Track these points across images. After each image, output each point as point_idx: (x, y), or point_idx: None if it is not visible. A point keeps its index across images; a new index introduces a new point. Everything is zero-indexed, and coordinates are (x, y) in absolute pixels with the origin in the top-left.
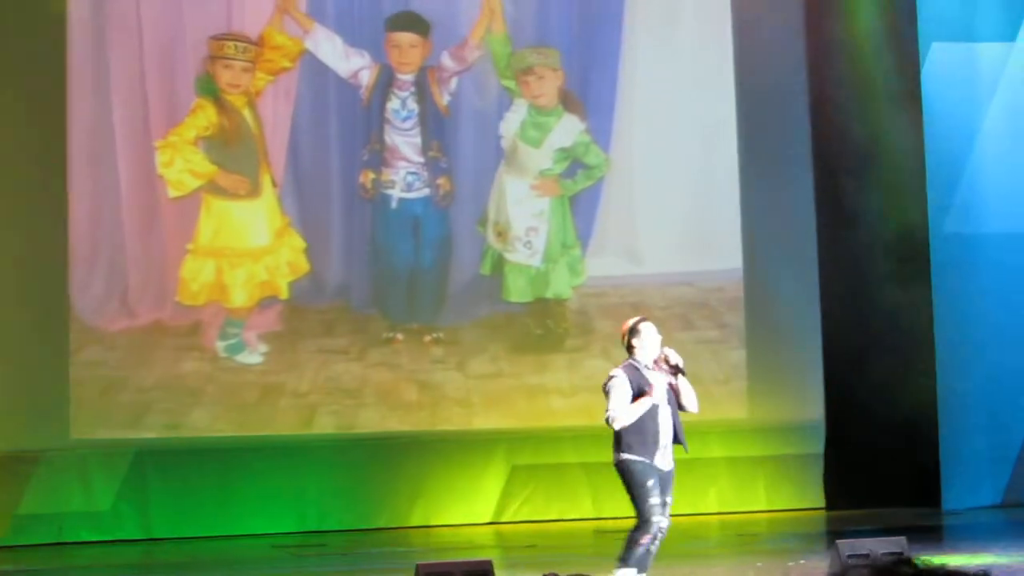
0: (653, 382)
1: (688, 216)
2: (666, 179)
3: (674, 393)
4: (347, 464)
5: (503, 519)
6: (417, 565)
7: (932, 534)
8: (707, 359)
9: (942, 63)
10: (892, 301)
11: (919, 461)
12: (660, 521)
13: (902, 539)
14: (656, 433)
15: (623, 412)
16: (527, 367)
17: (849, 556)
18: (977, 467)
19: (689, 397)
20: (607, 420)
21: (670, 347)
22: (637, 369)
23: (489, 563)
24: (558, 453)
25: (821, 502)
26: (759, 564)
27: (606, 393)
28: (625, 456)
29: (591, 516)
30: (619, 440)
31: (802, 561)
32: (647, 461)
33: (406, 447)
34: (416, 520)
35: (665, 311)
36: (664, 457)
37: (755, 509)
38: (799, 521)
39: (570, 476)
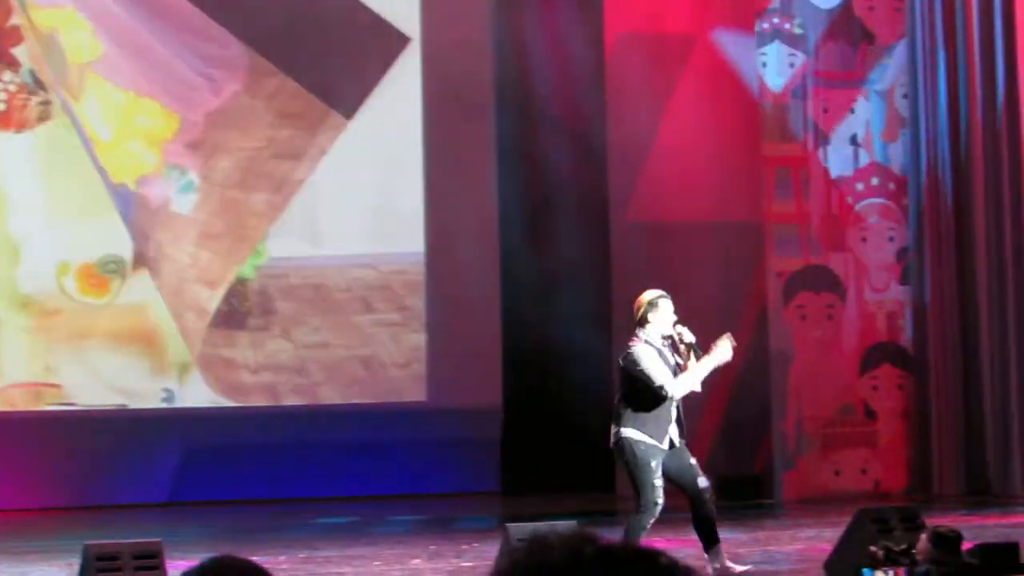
0: (669, 365)
1: (372, 199)
2: (350, 162)
3: (681, 372)
4: (17, 442)
5: (179, 499)
6: (85, 545)
7: (605, 519)
8: (387, 342)
9: (629, 51)
10: (574, 289)
11: (594, 447)
12: (662, 500)
13: (573, 524)
14: (668, 414)
15: (677, 386)
16: None
17: (519, 540)
18: None
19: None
20: (662, 393)
21: (680, 325)
22: (650, 344)
23: (159, 544)
24: (237, 433)
25: (497, 486)
26: (432, 547)
27: (636, 367)
28: (629, 434)
29: (268, 498)
30: (628, 417)
31: (475, 544)
32: (651, 442)
33: (81, 424)
34: (90, 500)
35: (346, 293)
36: (667, 436)
37: (432, 492)
38: (475, 505)
39: (248, 457)
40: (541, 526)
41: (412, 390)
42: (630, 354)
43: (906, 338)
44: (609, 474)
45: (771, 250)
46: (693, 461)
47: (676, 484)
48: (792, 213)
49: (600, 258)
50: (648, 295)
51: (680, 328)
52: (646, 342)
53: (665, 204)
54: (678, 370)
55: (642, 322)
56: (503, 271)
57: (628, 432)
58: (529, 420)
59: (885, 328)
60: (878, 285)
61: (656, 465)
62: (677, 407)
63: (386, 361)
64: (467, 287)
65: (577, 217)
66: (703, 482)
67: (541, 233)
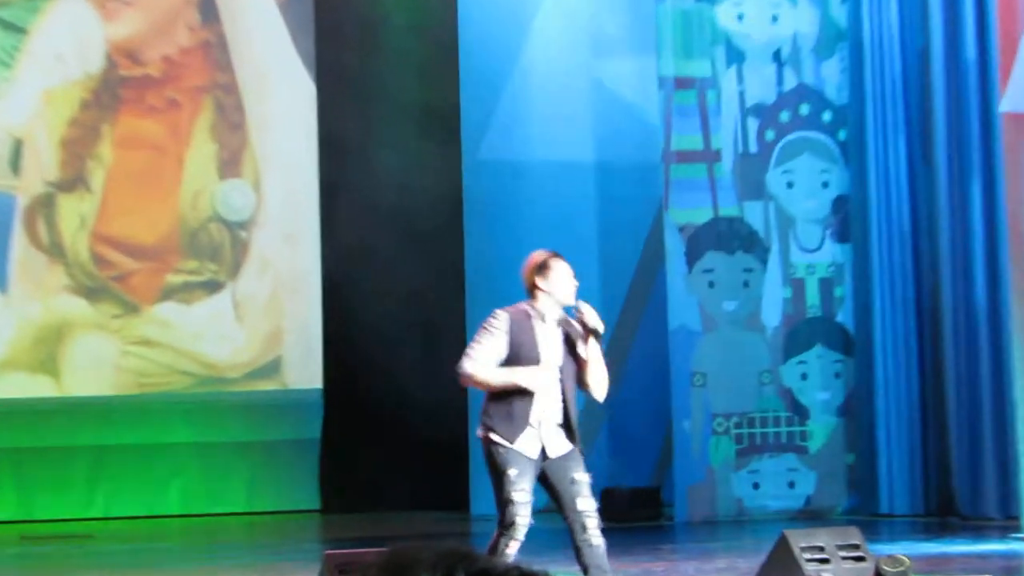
0: (543, 352)
1: None
2: None
3: (577, 365)
4: None
5: None
6: None
7: (455, 541)
8: (183, 320)
9: None
10: (416, 244)
11: (445, 458)
12: (524, 521)
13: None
14: (525, 411)
15: (480, 369)
16: None
17: (340, 570)
18: None
19: (597, 376)
20: (456, 369)
21: (586, 304)
22: (530, 319)
23: None
24: None
25: (316, 503)
26: None
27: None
28: (482, 432)
29: (17, 519)
30: (484, 410)
31: None
32: (504, 443)
33: None
34: None
35: None
36: (532, 441)
37: (231, 511)
38: (288, 526)
39: None
40: (369, 554)
41: (209, 378)
42: (490, 315)
43: (845, 312)
44: (462, 487)
45: (670, 198)
46: (578, 476)
47: (554, 502)
48: (698, 151)
49: (451, 202)
50: (535, 256)
51: (583, 307)
52: (520, 312)
53: (529, 138)
54: (574, 364)
55: (532, 292)
56: (323, 233)
57: (482, 429)
58: (356, 419)
59: (818, 299)
60: (809, 244)
61: (517, 475)
62: (564, 405)
63: (184, 341)
64: (285, 259)
65: (422, 152)
66: (585, 504)
67: (372, 176)
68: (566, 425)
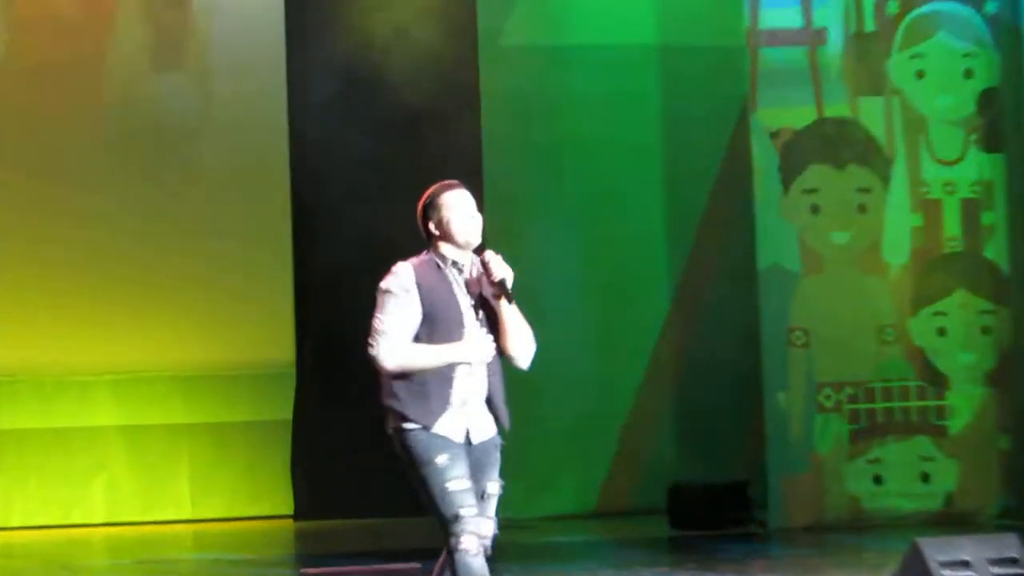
0: (464, 310)
1: None
2: None
3: (491, 326)
4: None
5: None
6: None
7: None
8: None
9: None
10: (425, 159)
11: None
12: (475, 519)
13: (417, 566)
14: (446, 388)
15: (402, 351)
16: None
17: None
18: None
19: (517, 337)
20: (369, 347)
21: (491, 252)
22: (440, 269)
23: None
24: None
25: (287, 506)
26: None
27: (378, 299)
28: (396, 424)
29: None
30: (388, 390)
31: None
32: (426, 427)
33: None
34: None
35: None
36: (456, 422)
37: (174, 518)
38: (249, 537)
39: None
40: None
41: (144, 347)
42: (385, 275)
43: (996, 245)
44: None
45: (759, 94)
46: (491, 489)
47: None
48: (795, 31)
49: (465, 100)
50: (426, 193)
51: (490, 256)
52: (424, 263)
53: (567, 17)
54: (484, 323)
55: (430, 237)
56: (294, 128)
57: (393, 418)
58: (338, 394)
59: (959, 228)
60: (946, 153)
61: (449, 460)
62: (490, 386)
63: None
64: (232, 157)
65: (427, 36)
66: (488, 526)
67: (359, 69)
68: (491, 400)
